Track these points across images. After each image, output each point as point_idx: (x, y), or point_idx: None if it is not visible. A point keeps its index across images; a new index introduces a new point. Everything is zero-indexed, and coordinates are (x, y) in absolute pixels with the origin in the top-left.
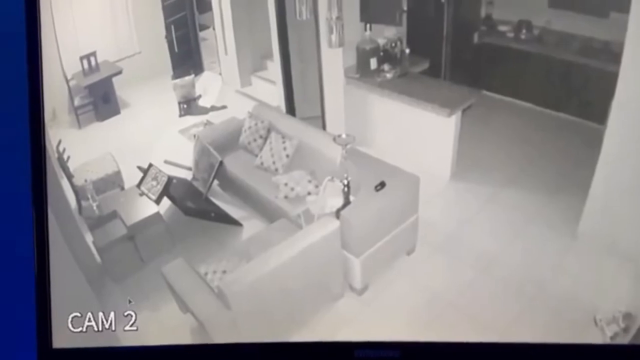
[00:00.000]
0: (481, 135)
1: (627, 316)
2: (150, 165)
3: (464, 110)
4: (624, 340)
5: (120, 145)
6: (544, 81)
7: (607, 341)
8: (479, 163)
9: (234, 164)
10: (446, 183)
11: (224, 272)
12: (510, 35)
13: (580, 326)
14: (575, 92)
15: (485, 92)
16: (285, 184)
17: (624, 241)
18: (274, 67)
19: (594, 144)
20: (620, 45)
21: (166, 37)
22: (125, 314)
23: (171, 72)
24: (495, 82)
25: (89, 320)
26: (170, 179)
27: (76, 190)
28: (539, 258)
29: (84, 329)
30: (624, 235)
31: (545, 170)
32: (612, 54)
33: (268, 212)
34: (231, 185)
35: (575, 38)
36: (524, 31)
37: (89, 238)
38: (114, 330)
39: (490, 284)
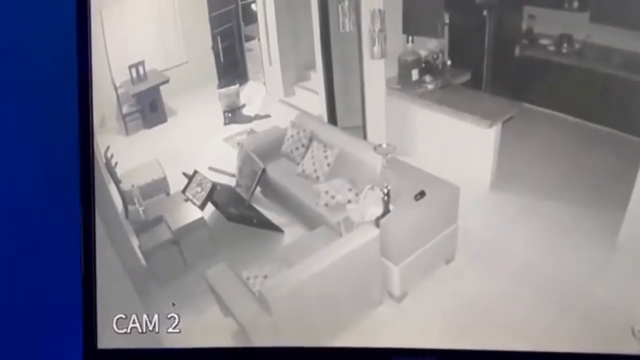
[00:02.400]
0: (521, 147)
1: None
2: (195, 171)
3: (504, 122)
4: None
5: (167, 152)
6: (584, 94)
7: None
8: (518, 174)
9: (276, 172)
10: (486, 193)
11: (265, 277)
12: (551, 48)
13: (617, 337)
14: (616, 106)
15: (525, 104)
16: (326, 192)
17: None
18: (317, 78)
19: (635, 157)
20: None
21: (212, 47)
22: (169, 316)
23: (217, 82)
24: (536, 95)
25: (134, 322)
26: (214, 185)
27: (123, 195)
28: (577, 269)
29: (129, 331)
30: None
31: (585, 182)
32: None
33: (309, 219)
34: (273, 192)
35: (617, 52)
36: (565, 45)
37: (134, 242)
38: (158, 332)
39: (529, 293)
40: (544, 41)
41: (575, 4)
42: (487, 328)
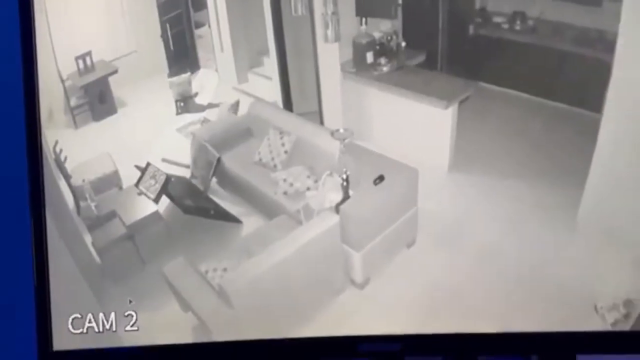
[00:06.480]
0: (479, 127)
1: (628, 303)
2: (148, 164)
3: (461, 102)
4: (625, 326)
5: (118, 144)
6: (539, 71)
7: (608, 328)
8: (477, 155)
9: (233, 161)
10: (445, 175)
11: (225, 269)
12: (505, 26)
13: (581, 314)
14: (571, 82)
15: (481, 83)
16: (284, 180)
17: (623, 229)
18: (271, 64)
19: (591, 132)
20: (614, 34)
21: (162, 35)
22: (126, 314)
23: (167, 70)
24: (491, 74)
25: (90, 322)
26: (168, 177)
27: (74, 191)
28: (538, 248)
29: (85, 330)
30: (623, 222)
31: (543, 161)
32: (607, 42)
33: (267, 209)
34: (230, 182)
35: (570, 28)
36: (518, 22)
37: (88, 239)
38: (115, 331)
39: (491, 274)
40: (497, 19)
41: None
42: (452, 311)
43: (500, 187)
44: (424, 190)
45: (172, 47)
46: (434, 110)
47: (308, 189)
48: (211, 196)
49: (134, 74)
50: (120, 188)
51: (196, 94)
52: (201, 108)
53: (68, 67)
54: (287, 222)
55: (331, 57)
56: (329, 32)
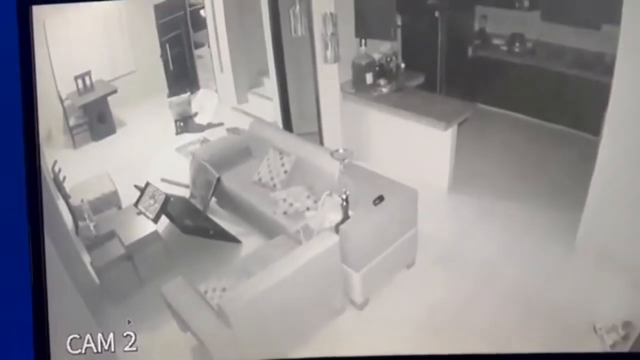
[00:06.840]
0: (478, 148)
1: (626, 324)
2: (148, 183)
3: (460, 124)
4: (624, 348)
5: (117, 164)
6: (538, 93)
7: (607, 349)
8: (476, 176)
9: (232, 181)
10: (444, 196)
11: (224, 289)
12: (504, 48)
13: (580, 335)
14: (570, 104)
15: (480, 105)
16: (284, 200)
17: (621, 250)
18: (270, 84)
19: (589, 155)
20: (613, 57)
21: (161, 55)
22: (125, 334)
23: (167, 90)
24: (490, 95)
25: (88, 342)
26: (167, 197)
27: (73, 211)
28: (538, 269)
29: (83, 351)
30: (621, 244)
31: (542, 182)
32: (605, 65)
33: (267, 229)
34: (229, 202)
35: (568, 50)
36: (517, 44)
37: (86, 259)
38: (114, 352)
39: (491, 295)
40: (496, 41)
41: (526, 4)
42: (451, 332)
43: (499, 208)
44: (424, 211)
45: (171, 68)
46: (433, 131)
47: (308, 209)
48: (210, 216)
49: (133, 94)
50: (119, 208)
51: (196, 114)
52: (201, 128)
53: (67, 86)
54: (286, 242)
55: (331, 77)
56: (329, 53)
